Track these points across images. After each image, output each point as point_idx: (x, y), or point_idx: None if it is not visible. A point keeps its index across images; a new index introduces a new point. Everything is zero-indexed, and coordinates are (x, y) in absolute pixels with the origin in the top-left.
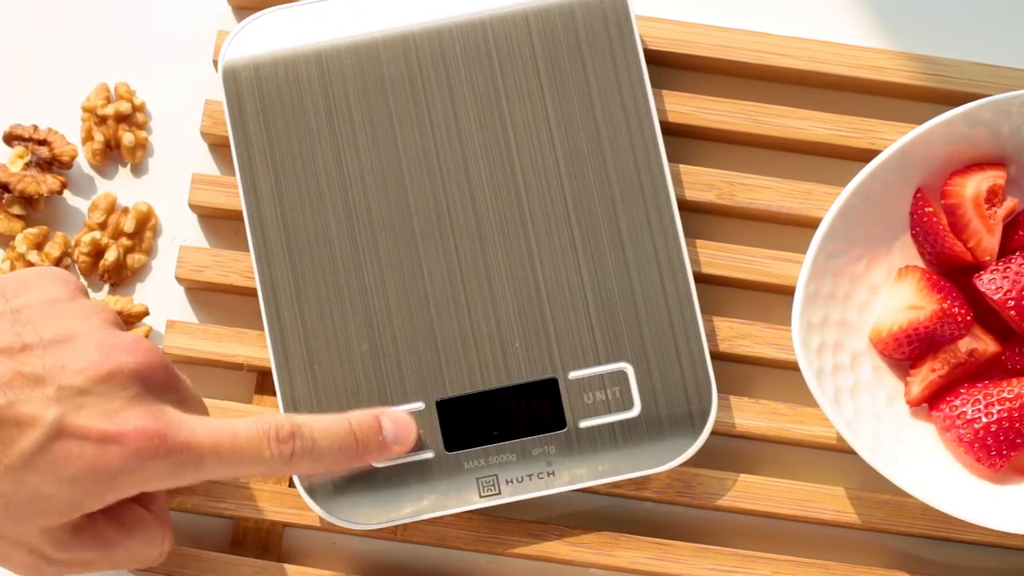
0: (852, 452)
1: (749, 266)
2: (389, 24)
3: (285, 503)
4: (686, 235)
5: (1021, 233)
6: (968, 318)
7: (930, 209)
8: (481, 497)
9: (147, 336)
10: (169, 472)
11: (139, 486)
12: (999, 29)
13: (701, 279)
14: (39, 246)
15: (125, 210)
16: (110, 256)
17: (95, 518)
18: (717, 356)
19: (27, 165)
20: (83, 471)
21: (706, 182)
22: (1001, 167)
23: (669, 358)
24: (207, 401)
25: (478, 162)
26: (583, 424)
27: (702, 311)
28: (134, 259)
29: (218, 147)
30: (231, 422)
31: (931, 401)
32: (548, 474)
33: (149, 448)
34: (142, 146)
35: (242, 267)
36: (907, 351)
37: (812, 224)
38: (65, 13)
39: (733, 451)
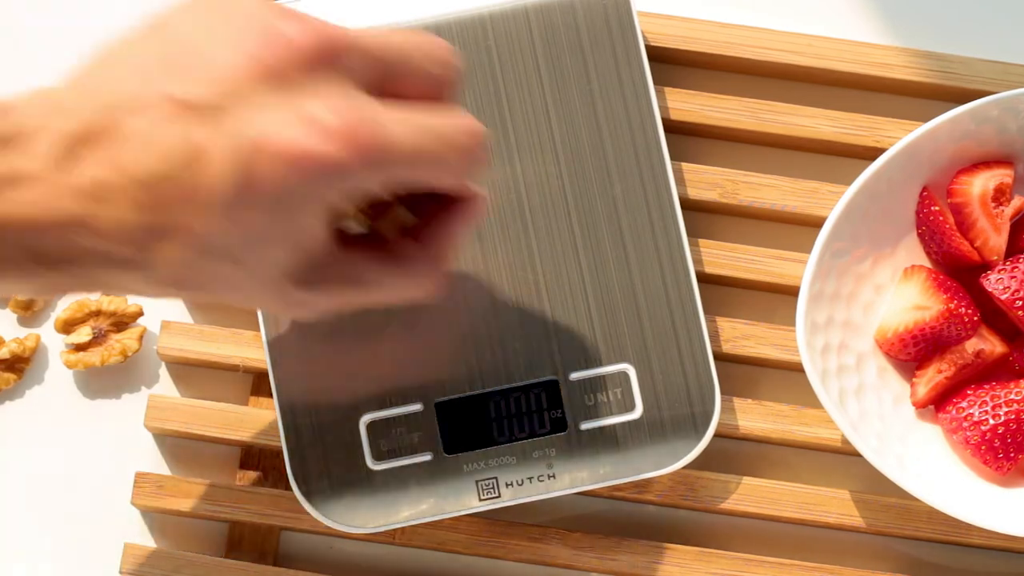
0: (857, 454)
1: (753, 266)
2: (387, 21)
3: (281, 506)
4: (689, 234)
5: None
6: (975, 318)
7: (936, 208)
8: (480, 500)
9: (141, 337)
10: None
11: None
12: (1007, 25)
13: (704, 279)
14: None
15: None
16: None
17: (344, 253)
18: (720, 357)
19: None
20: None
21: (709, 180)
22: (1008, 165)
23: (671, 359)
24: (203, 402)
25: None
26: (584, 426)
27: (705, 311)
28: None
29: None
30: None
31: (937, 403)
32: (549, 477)
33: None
34: None
35: None
36: (913, 352)
37: (817, 223)
38: (59, 9)
39: (736, 453)
